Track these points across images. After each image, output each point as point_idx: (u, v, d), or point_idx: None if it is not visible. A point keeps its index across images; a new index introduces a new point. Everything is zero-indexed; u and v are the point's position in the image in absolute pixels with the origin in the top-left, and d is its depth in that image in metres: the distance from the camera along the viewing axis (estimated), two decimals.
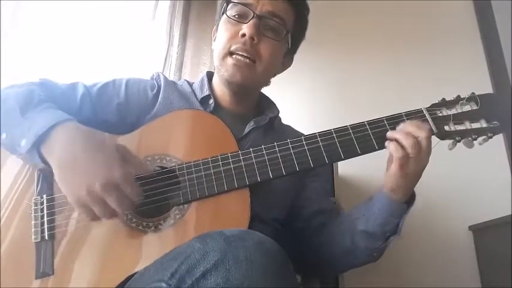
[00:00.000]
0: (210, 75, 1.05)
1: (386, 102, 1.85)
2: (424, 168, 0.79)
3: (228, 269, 0.53)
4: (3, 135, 0.78)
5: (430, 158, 0.79)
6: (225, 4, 0.97)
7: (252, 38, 0.91)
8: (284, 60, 1.03)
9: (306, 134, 0.86)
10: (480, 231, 1.61)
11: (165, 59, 1.73)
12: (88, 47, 1.41)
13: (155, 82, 1.00)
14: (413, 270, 1.65)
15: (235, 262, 0.54)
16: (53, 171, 0.73)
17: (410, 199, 0.84)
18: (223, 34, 0.95)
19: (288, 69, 1.08)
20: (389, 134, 0.80)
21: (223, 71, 0.94)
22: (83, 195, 0.69)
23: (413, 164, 0.77)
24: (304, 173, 0.99)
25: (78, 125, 0.76)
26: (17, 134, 0.76)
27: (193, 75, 1.73)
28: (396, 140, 0.78)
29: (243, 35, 0.91)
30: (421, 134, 0.77)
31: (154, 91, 0.97)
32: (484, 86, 1.81)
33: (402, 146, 0.77)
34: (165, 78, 1.02)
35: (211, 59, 1.80)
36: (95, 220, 0.73)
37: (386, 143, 0.80)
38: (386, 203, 0.82)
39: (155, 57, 1.69)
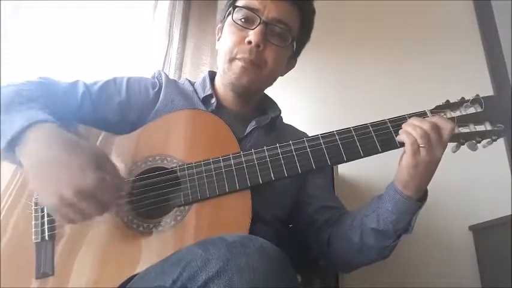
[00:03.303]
0: (212, 75, 1.04)
1: (386, 103, 1.84)
2: (436, 163, 0.79)
3: (231, 277, 0.53)
4: None
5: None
6: (231, 8, 0.96)
7: (258, 46, 0.90)
8: (288, 63, 1.03)
9: (307, 135, 0.86)
10: (480, 231, 1.61)
11: (164, 58, 1.73)
12: (88, 47, 1.41)
13: (156, 80, 0.99)
14: (413, 270, 1.64)
15: (237, 270, 0.54)
16: (25, 173, 0.71)
17: (422, 197, 0.83)
18: (229, 38, 0.94)
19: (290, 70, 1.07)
20: (403, 126, 0.81)
21: (230, 74, 0.93)
22: (54, 201, 0.67)
23: (425, 154, 0.77)
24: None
25: (55, 127, 0.73)
26: None
27: (193, 75, 1.72)
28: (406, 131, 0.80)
29: (249, 42, 0.90)
30: (425, 126, 0.78)
31: (156, 89, 0.97)
32: (484, 86, 1.81)
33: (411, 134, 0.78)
34: (166, 76, 1.01)
35: (212, 59, 1.81)
36: (70, 224, 0.72)
37: (398, 137, 0.81)
38: (399, 199, 0.81)
39: (155, 57, 1.69)
